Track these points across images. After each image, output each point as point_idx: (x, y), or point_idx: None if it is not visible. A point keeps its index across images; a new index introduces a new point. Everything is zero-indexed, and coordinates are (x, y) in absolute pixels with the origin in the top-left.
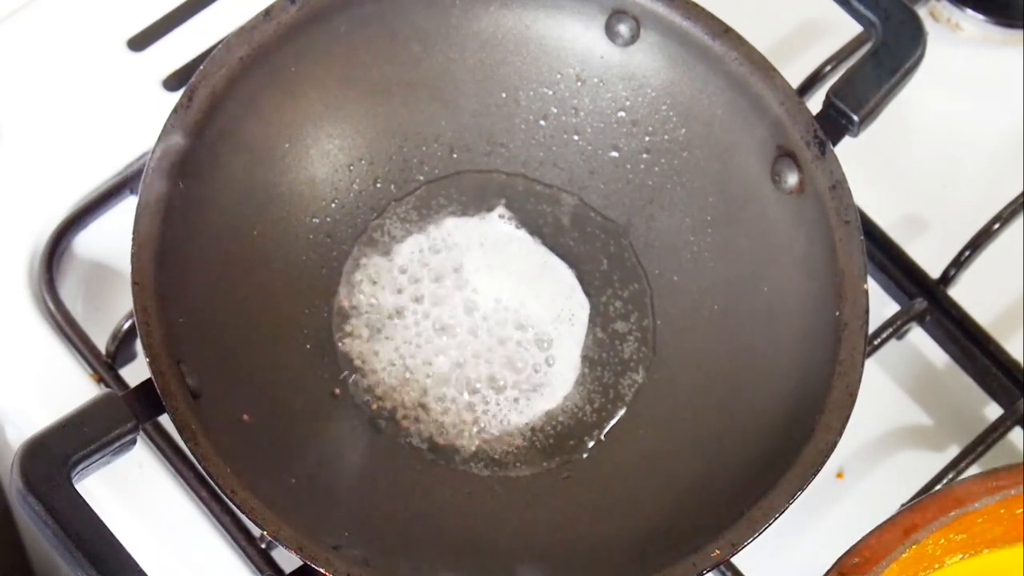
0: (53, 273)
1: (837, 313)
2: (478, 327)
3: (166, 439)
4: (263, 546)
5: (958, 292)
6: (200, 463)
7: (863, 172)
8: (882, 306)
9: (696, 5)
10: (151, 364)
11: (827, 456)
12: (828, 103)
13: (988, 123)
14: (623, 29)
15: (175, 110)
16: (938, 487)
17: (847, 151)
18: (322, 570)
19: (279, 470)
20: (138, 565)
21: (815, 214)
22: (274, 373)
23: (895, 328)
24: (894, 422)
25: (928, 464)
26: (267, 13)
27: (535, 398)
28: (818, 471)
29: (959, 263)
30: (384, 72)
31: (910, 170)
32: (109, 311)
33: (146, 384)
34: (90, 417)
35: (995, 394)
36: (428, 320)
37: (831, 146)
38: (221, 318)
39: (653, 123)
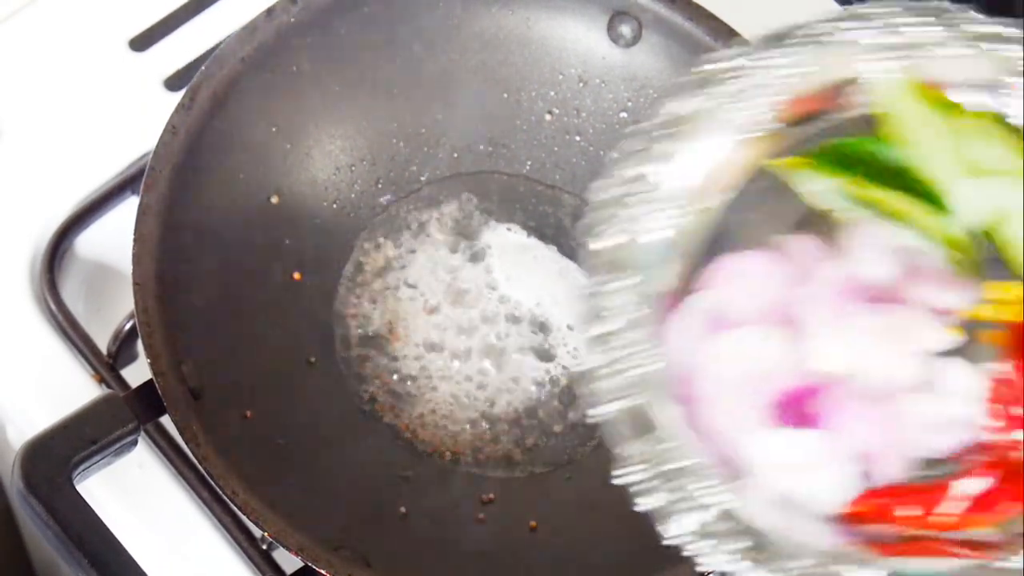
0: (55, 273)
1: None
2: (482, 330)
3: (167, 440)
4: (264, 547)
5: None
6: (201, 464)
7: None
8: None
9: (698, 6)
10: (152, 365)
11: None
12: None
13: None
14: (625, 30)
15: (177, 110)
16: None
17: None
18: (323, 571)
19: (280, 471)
20: (139, 566)
21: None
22: (276, 375)
23: None
24: None
25: None
26: (269, 13)
27: (541, 400)
28: None
29: None
30: (386, 72)
31: None
32: (110, 311)
33: (147, 385)
34: (91, 418)
35: None
36: (430, 323)
37: None
38: (223, 319)
39: None
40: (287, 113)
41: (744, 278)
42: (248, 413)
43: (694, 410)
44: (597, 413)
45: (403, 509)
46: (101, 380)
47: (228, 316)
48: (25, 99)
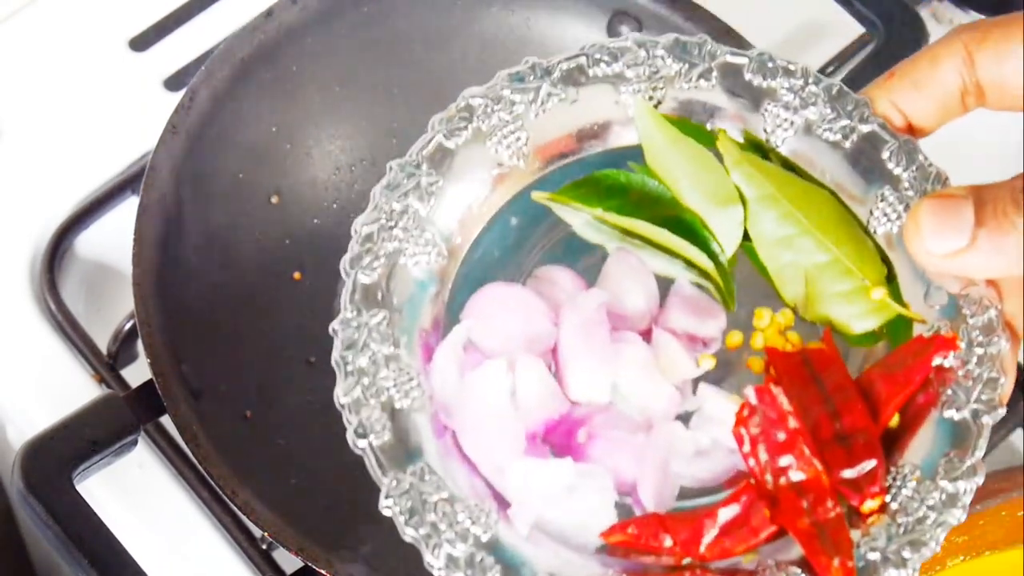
0: (54, 273)
1: None
2: None
3: (167, 440)
4: (264, 547)
5: None
6: (201, 464)
7: None
8: None
9: (698, 6)
10: (152, 365)
11: None
12: None
13: (989, 125)
14: (625, 30)
15: (177, 110)
16: None
17: None
18: (323, 571)
19: (280, 471)
20: (138, 566)
21: None
22: (276, 374)
23: None
24: None
25: None
26: (269, 13)
27: None
28: None
29: None
30: (386, 72)
31: None
32: (110, 311)
33: (147, 385)
34: (91, 418)
35: None
36: None
37: None
38: (223, 319)
39: None
40: (287, 113)
41: (502, 310)
42: (248, 413)
43: (458, 441)
44: (358, 445)
45: None
46: (101, 380)
47: (228, 316)
48: (25, 99)
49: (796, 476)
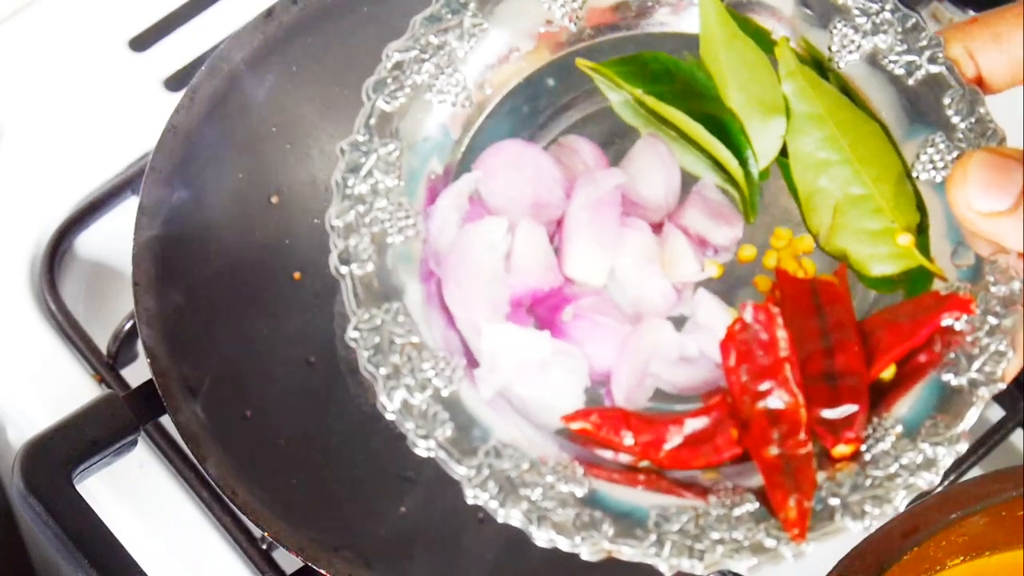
0: (54, 273)
1: None
2: None
3: (167, 440)
4: (264, 547)
5: None
6: (201, 464)
7: None
8: None
9: None
10: (152, 365)
11: None
12: None
13: None
14: None
15: (177, 110)
16: (939, 489)
17: None
18: (323, 571)
19: (280, 471)
20: (138, 566)
21: None
22: (276, 375)
23: None
24: None
25: None
26: (269, 14)
27: None
28: None
29: None
30: None
31: None
32: (110, 311)
33: (147, 385)
34: (91, 418)
35: (996, 395)
36: None
37: None
38: (223, 319)
39: None
40: (287, 113)
41: (516, 168)
42: (248, 413)
43: (441, 291)
44: (340, 270)
45: (403, 509)
46: (101, 380)
47: (228, 316)
48: (25, 99)
49: (774, 404)
